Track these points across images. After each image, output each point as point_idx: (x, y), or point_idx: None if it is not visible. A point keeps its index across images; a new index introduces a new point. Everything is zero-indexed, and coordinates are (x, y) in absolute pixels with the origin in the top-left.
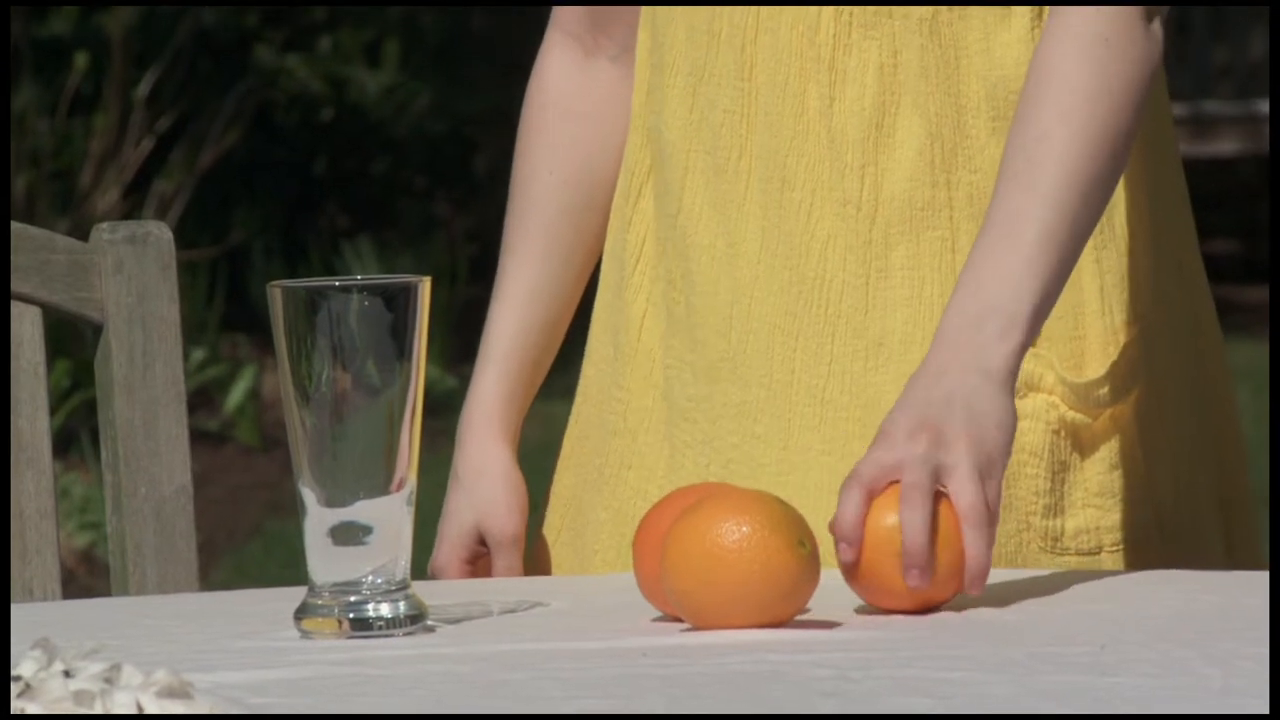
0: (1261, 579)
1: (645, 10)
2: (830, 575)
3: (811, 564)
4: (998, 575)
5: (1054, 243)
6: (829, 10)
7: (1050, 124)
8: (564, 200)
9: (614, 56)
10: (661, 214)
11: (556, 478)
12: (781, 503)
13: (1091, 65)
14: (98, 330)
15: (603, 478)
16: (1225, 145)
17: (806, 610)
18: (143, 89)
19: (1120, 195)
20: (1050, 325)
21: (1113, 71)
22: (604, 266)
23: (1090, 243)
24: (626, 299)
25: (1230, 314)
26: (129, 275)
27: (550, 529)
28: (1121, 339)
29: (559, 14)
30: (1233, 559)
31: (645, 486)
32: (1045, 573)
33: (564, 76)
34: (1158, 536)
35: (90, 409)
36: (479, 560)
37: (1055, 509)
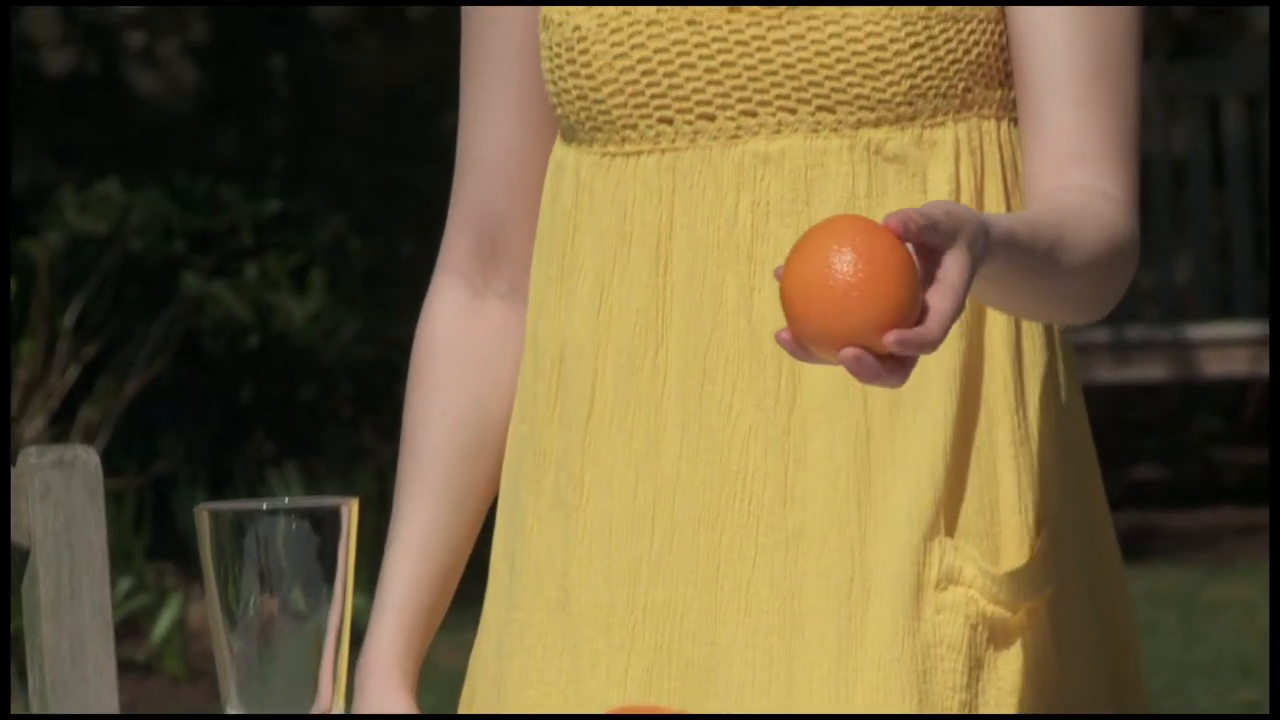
0: None
1: (542, 234)
2: None
3: None
4: None
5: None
6: (746, 201)
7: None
8: (455, 443)
9: (503, 294)
10: (566, 421)
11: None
12: None
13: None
14: (24, 555)
15: (503, 704)
16: (1151, 370)
17: None
18: (69, 317)
19: (1035, 399)
20: (968, 520)
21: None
22: (500, 497)
23: (1009, 438)
24: (517, 520)
25: (1156, 539)
26: (56, 500)
27: None
28: (1035, 536)
29: (446, 254)
30: None
31: (547, 702)
32: None
33: (452, 318)
34: None
35: (15, 639)
36: None
37: (970, 705)
